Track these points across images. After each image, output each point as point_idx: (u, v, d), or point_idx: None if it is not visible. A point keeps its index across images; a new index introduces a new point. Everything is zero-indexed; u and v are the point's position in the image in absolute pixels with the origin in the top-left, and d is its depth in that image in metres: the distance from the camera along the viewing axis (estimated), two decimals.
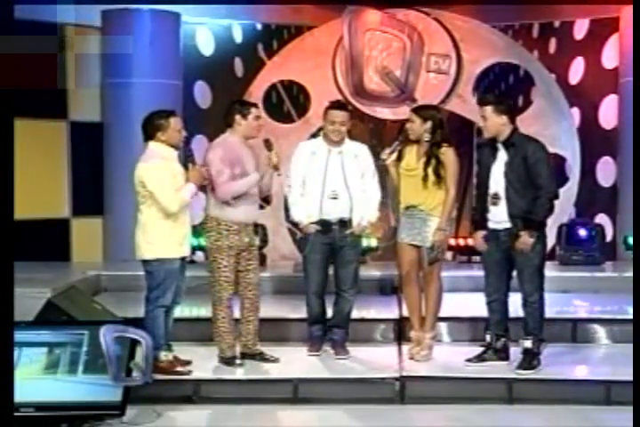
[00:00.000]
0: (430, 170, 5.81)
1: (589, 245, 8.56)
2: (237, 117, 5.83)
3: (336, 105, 6.13)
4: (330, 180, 5.99)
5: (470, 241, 8.58)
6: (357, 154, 6.08)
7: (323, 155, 6.03)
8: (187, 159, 5.73)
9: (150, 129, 5.66)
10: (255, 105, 6.00)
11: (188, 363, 5.83)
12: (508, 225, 5.68)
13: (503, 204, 5.67)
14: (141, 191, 5.58)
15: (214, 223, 5.81)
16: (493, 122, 5.67)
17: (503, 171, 5.67)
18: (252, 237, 5.95)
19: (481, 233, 5.86)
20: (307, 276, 6.15)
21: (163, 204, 5.52)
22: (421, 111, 5.96)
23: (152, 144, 5.67)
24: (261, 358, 6.01)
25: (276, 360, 6.00)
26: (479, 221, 5.87)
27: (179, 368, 5.71)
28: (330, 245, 6.05)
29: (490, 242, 5.82)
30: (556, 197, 5.70)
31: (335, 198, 5.99)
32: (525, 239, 5.60)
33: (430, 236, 5.86)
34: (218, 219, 5.81)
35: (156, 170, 5.53)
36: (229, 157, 5.77)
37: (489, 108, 5.68)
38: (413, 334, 6.11)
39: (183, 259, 5.76)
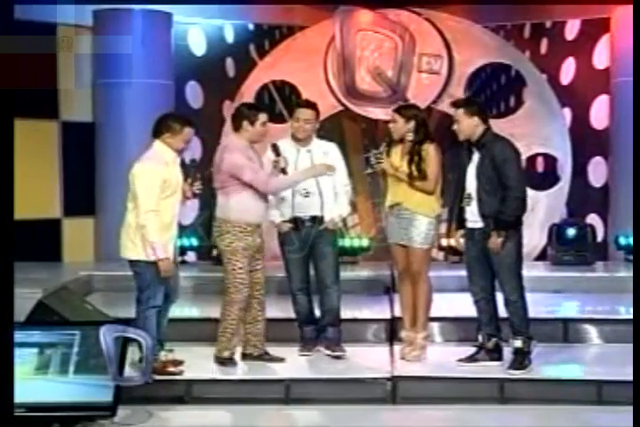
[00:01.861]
0: (414, 167, 5.86)
1: (581, 245, 8.58)
2: (245, 123, 5.82)
3: (303, 103, 6.21)
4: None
5: (452, 241, 8.66)
6: (326, 151, 6.14)
7: (292, 154, 6.06)
8: (190, 168, 5.79)
9: (161, 127, 5.63)
10: (263, 110, 5.98)
11: (180, 363, 5.83)
12: (481, 225, 5.73)
13: (475, 204, 5.73)
14: (132, 190, 5.59)
15: (228, 226, 5.80)
16: (466, 123, 5.72)
17: (475, 172, 5.71)
18: (262, 238, 5.96)
19: (459, 232, 5.94)
20: (289, 275, 6.21)
21: (140, 208, 5.50)
22: (403, 111, 6.00)
23: (157, 145, 5.65)
24: (269, 358, 6.03)
25: (282, 360, 6.00)
26: (459, 221, 5.93)
27: (171, 368, 5.70)
28: (306, 242, 6.09)
29: (468, 241, 5.87)
30: (525, 196, 5.68)
31: (307, 197, 6.04)
32: (494, 239, 5.63)
33: (416, 236, 5.89)
34: (231, 221, 5.80)
35: (150, 173, 5.52)
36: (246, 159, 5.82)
37: (460, 111, 5.73)
38: (404, 334, 6.12)
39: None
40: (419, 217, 5.90)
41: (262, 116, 5.87)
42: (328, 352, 6.17)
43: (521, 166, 5.82)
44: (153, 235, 5.49)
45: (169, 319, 5.87)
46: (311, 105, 6.16)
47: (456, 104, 5.85)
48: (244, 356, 6.00)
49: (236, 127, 5.87)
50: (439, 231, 6.95)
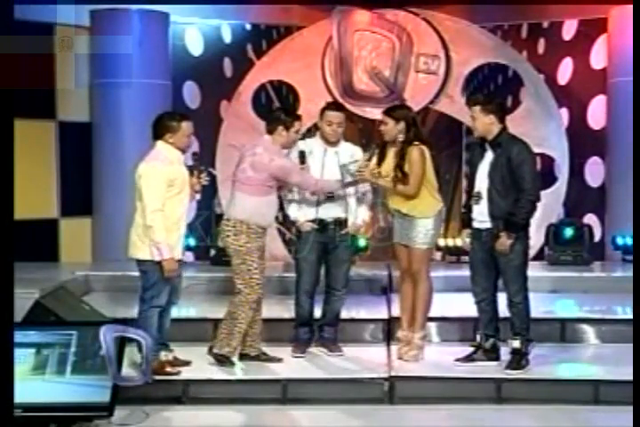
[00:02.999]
0: (397, 170, 5.81)
1: (578, 245, 8.58)
2: (280, 128, 5.84)
3: (333, 106, 6.19)
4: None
5: (459, 241, 8.67)
6: (352, 154, 6.11)
7: (319, 154, 6.07)
8: (193, 167, 5.79)
9: (160, 129, 5.65)
10: (299, 118, 5.97)
11: (186, 363, 5.85)
12: (489, 225, 5.71)
13: (484, 203, 5.71)
14: (138, 190, 5.60)
15: (244, 226, 5.79)
16: (481, 121, 5.70)
17: (487, 171, 5.70)
18: (265, 238, 5.98)
19: (466, 232, 5.93)
20: (300, 275, 6.18)
21: (146, 208, 5.52)
22: (393, 112, 5.95)
23: (159, 145, 5.66)
24: (266, 358, 6.03)
25: (279, 360, 6.01)
26: (467, 220, 5.92)
27: (168, 369, 5.70)
28: (324, 244, 6.10)
29: (474, 241, 5.86)
30: (538, 199, 5.71)
31: (332, 197, 6.05)
32: (503, 241, 5.63)
33: (415, 237, 5.86)
34: (247, 222, 5.79)
35: (154, 174, 5.53)
36: None
37: (477, 108, 5.72)
38: (401, 334, 6.12)
39: (178, 261, 5.73)
40: (419, 220, 5.86)
41: (297, 124, 5.88)
42: (325, 351, 6.18)
43: (536, 169, 5.78)
44: (159, 235, 5.50)
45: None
46: (340, 107, 6.20)
47: (473, 101, 5.84)
48: (242, 356, 6.00)
49: (270, 131, 5.88)
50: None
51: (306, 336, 6.24)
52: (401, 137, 5.86)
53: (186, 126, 5.65)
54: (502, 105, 5.92)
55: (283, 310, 6.56)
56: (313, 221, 6.08)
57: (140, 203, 5.60)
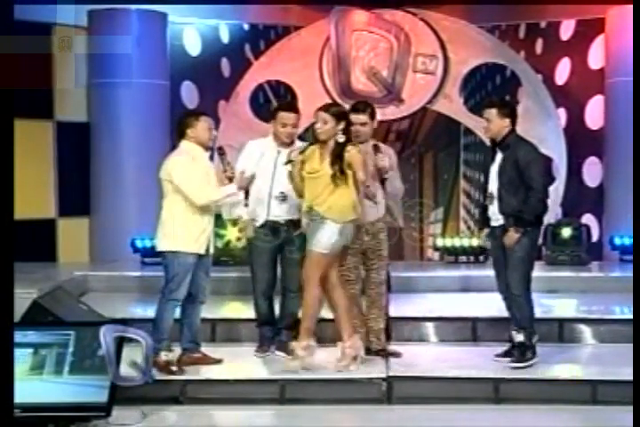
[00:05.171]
0: (337, 169, 5.54)
1: (576, 245, 8.59)
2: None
3: (286, 107, 6.12)
4: (278, 181, 5.94)
5: (457, 241, 8.68)
6: None
7: (271, 155, 5.99)
8: (220, 157, 5.91)
9: (182, 126, 5.79)
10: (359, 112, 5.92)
11: (218, 361, 5.90)
12: (502, 222, 5.78)
13: (497, 203, 5.78)
14: (165, 186, 5.71)
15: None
16: (496, 124, 5.77)
17: (497, 171, 5.77)
18: (377, 237, 5.91)
19: (484, 231, 6.01)
20: (254, 276, 6.13)
21: (189, 196, 5.63)
22: (335, 111, 5.67)
23: (183, 143, 5.80)
24: (384, 353, 6.02)
25: (398, 355, 6.02)
26: (483, 220, 6.02)
27: (173, 367, 5.71)
28: (277, 245, 6.02)
29: (491, 240, 5.94)
30: (547, 197, 5.82)
31: (284, 200, 5.97)
32: (511, 234, 5.70)
33: (317, 241, 5.58)
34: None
35: (183, 164, 5.66)
36: None
37: (494, 111, 5.78)
38: (293, 345, 5.77)
39: (202, 256, 5.76)
40: (326, 221, 5.59)
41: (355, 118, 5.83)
42: (281, 354, 6.06)
43: (544, 169, 5.88)
44: (218, 192, 5.71)
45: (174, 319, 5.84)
46: (294, 108, 6.09)
47: (490, 104, 5.88)
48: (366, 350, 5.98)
49: None
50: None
51: (269, 335, 6.19)
52: (341, 138, 5.59)
53: (204, 119, 5.79)
54: (516, 110, 5.98)
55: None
56: (265, 223, 6.01)
57: (165, 199, 5.72)
